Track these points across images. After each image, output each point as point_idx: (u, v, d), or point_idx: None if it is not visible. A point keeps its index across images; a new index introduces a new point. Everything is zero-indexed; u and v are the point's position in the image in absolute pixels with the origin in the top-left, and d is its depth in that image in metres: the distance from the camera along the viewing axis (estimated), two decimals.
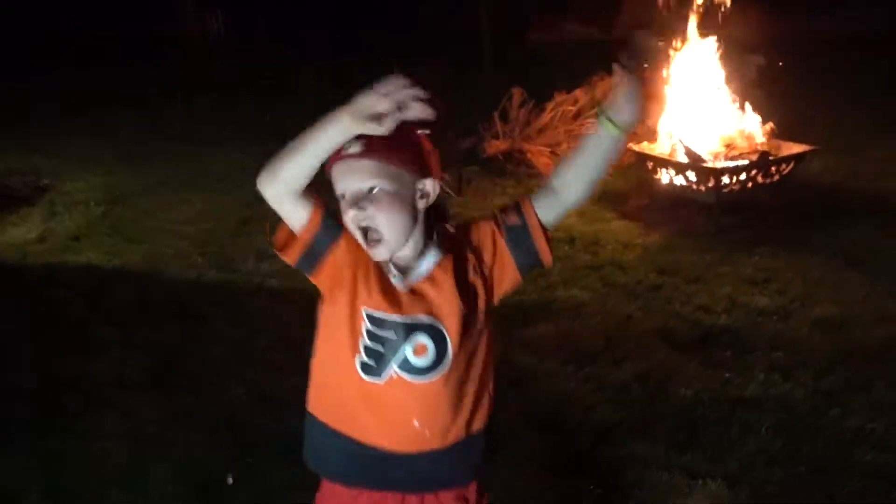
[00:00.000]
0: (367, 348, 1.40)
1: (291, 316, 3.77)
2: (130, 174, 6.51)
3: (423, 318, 1.39)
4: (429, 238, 1.44)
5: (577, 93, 6.23)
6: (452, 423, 1.44)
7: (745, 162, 4.83)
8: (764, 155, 4.84)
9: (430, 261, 1.42)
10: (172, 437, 2.75)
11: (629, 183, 5.51)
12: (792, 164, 4.94)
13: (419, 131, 1.37)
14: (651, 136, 5.43)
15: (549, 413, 2.96)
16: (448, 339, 1.40)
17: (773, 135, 5.10)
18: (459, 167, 5.69)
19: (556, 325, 3.60)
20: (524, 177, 5.79)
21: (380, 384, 1.41)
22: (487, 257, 1.45)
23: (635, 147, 5.36)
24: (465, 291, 1.42)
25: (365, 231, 1.35)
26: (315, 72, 10.09)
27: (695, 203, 4.86)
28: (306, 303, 4.07)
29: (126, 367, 3.21)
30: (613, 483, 2.56)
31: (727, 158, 4.97)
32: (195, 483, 2.53)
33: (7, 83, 9.83)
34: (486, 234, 1.46)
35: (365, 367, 1.41)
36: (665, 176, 5.08)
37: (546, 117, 6.01)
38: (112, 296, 4.01)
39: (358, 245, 1.39)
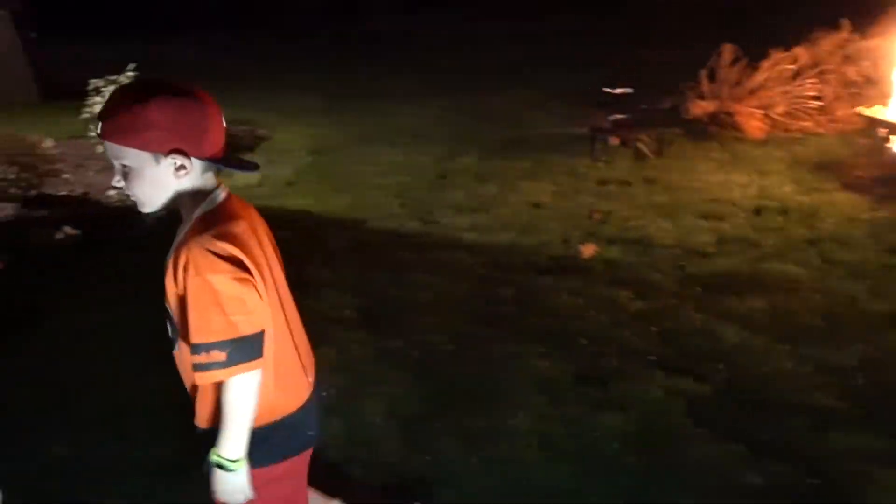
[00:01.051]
0: None
1: (487, 269, 3.84)
2: (334, 127, 6.91)
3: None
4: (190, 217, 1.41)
5: (797, 50, 5.72)
6: (196, 405, 1.50)
7: None
8: None
9: (175, 246, 1.40)
10: (381, 375, 2.91)
11: (855, 151, 5.00)
12: None
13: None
14: (884, 98, 4.88)
15: (758, 391, 2.79)
16: (174, 321, 1.43)
17: None
18: (659, 128, 5.45)
19: (767, 299, 3.38)
20: (731, 140, 5.44)
21: None
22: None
23: (865, 111, 4.84)
24: (176, 286, 1.38)
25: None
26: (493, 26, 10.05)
27: None
28: (502, 257, 4.13)
29: (339, 306, 3.44)
30: (831, 474, 2.37)
31: None
32: (400, 419, 2.67)
33: (228, 44, 10.76)
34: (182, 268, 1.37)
35: None
36: None
37: (760, 76, 5.58)
38: (324, 239, 4.30)
39: None
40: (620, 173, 5.10)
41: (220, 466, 1.41)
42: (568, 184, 5.09)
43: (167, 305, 1.42)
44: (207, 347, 1.32)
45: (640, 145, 5.33)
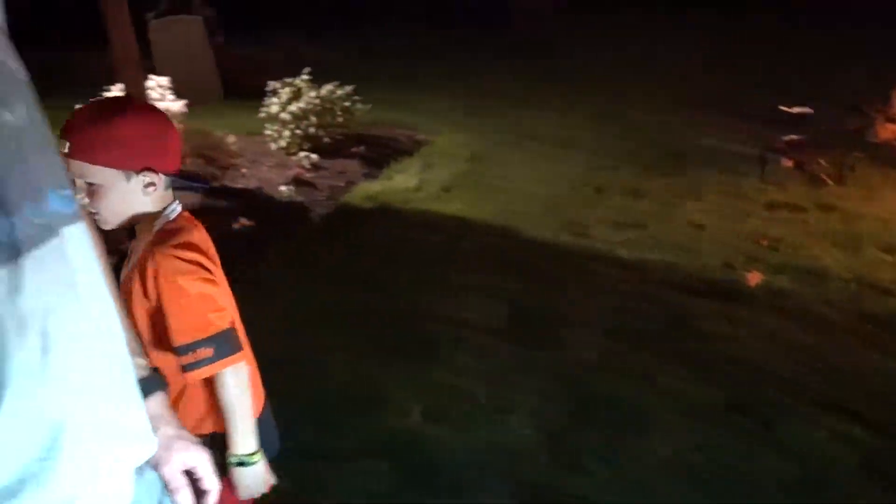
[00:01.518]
0: None
1: (640, 287, 3.72)
2: (492, 134, 6.97)
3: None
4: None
5: None
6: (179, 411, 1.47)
7: None
8: None
9: (137, 253, 1.42)
10: (527, 386, 2.89)
11: None
12: None
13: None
14: None
15: None
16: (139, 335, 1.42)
17: None
18: (840, 152, 5.05)
19: None
20: None
21: None
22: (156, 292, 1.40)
23: None
24: (147, 298, 1.40)
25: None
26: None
27: None
28: (655, 276, 3.96)
29: (485, 314, 3.46)
30: None
31: None
32: (545, 433, 2.63)
33: (390, 48, 11.17)
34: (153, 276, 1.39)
35: None
36: None
37: None
38: (474, 245, 4.34)
39: None
40: (793, 198, 4.77)
41: (242, 464, 1.44)
42: (732, 205, 4.83)
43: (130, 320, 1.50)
44: (193, 347, 1.37)
45: (818, 169, 4.96)
